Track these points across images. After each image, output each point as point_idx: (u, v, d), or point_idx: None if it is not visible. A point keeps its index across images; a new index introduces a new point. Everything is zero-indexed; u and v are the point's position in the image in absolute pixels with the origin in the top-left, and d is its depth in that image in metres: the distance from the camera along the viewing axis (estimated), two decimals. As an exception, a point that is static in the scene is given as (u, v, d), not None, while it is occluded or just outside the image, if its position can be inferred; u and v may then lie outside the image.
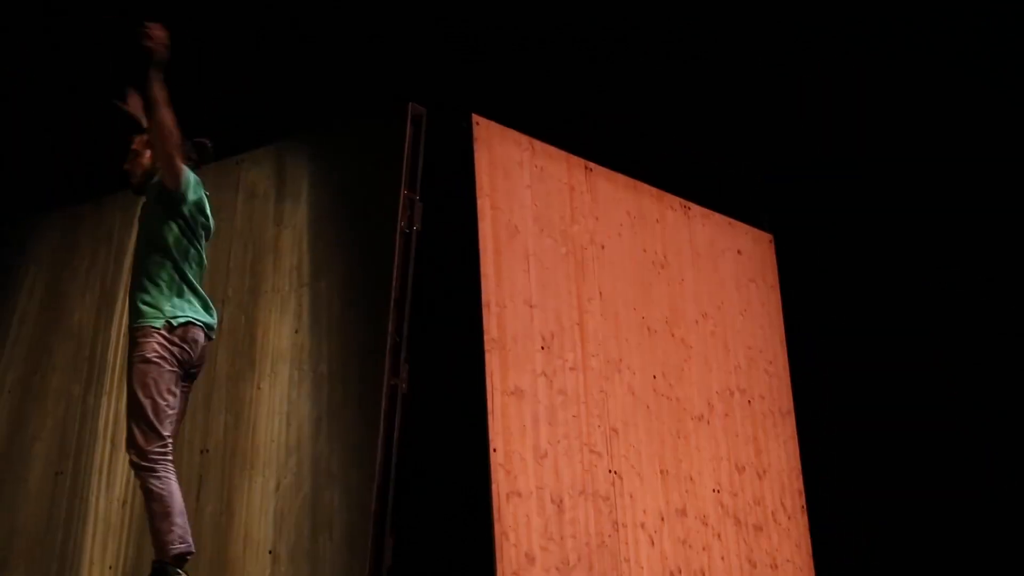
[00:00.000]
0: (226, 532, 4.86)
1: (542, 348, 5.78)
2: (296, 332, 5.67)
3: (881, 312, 7.23)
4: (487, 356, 5.52)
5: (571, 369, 5.87)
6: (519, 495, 5.42)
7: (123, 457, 6.00)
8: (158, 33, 4.24)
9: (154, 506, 4.18)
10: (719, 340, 6.67)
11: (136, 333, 4.31)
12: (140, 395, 4.23)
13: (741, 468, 6.47)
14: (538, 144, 6.15)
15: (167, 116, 4.24)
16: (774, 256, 7.20)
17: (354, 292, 5.60)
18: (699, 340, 6.56)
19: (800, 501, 6.72)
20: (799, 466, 6.79)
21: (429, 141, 5.61)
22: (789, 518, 6.61)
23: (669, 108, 7.26)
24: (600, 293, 6.16)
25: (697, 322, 6.59)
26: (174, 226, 4.39)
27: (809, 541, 6.67)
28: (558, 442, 5.67)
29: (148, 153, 4.54)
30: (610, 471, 5.85)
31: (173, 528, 4.16)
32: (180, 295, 4.37)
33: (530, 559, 5.34)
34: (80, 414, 6.26)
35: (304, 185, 5.99)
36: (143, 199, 4.61)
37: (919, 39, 7.01)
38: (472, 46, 6.97)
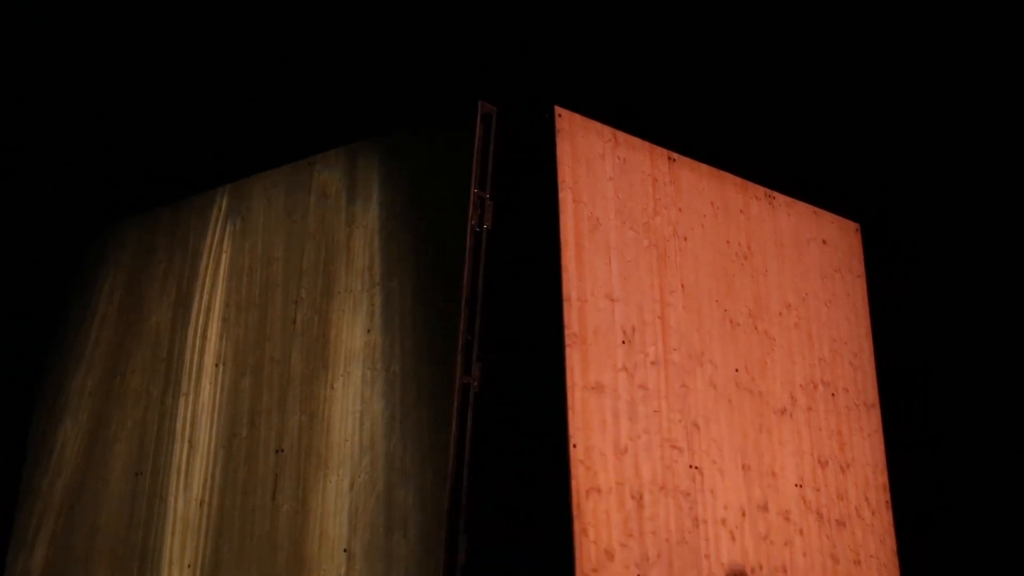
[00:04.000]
0: (302, 530, 4.87)
1: (623, 342, 5.68)
2: (368, 332, 5.65)
3: (971, 303, 7.03)
4: (568, 351, 5.41)
5: (652, 363, 5.77)
6: (599, 491, 5.35)
7: (200, 457, 6.08)
8: None
9: None
10: (803, 332, 6.52)
11: None
12: None
13: (824, 462, 6.34)
14: (621, 135, 6.01)
15: None
16: (861, 245, 7.02)
17: (426, 291, 5.56)
18: (782, 332, 6.41)
19: (885, 496, 6.56)
20: (884, 460, 6.62)
21: (513, 135, 5.53)
22: (873, 513, 6.47)
23: (752, 94, 7.09)
24: (682, 286, 6.04)
25: (781, 314, 6.45)
26: None
27: (894, 537, 6.52)
28: (639, 437, 5.58)
29: None
30: (691, 466, 5.75)
31: None
32: None
33: (609, 555, 5.28)
34: (158, 415, 6.33)
35: (375, 185, 5.94)
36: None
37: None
38: (554, 38, 6.86)
